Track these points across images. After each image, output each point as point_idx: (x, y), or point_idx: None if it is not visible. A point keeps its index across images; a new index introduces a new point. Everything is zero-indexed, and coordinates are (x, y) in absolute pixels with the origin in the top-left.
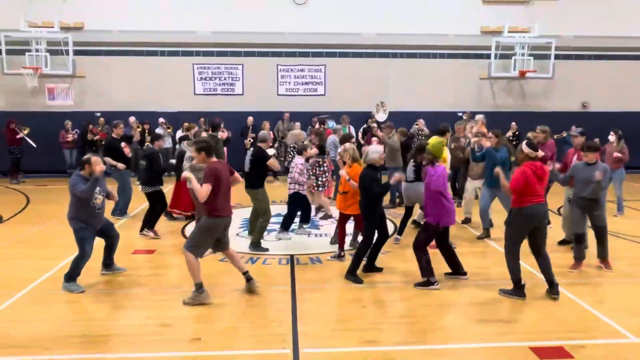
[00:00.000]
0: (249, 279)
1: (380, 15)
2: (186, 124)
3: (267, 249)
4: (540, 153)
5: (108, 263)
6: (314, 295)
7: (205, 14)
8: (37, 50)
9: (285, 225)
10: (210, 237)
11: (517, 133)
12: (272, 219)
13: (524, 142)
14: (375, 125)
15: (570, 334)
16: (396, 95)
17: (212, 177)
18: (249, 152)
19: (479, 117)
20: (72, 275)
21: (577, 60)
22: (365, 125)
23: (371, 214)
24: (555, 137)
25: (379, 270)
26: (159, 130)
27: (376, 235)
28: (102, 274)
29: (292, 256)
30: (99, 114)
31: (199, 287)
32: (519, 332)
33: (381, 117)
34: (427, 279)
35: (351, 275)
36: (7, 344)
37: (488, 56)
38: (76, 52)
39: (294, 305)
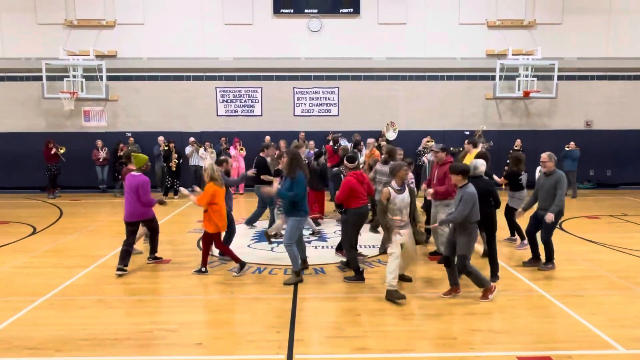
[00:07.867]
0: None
1: (390, 40)
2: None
3: None
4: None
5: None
6: (314, 304)
7: (227, 42)
8: (74, 76)
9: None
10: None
11: (522, 150)
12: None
13: (345, 158)
14: (384, 143)
15: (558, 344)
16: (405, 115)
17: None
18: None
19: (370, 140)
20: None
21: (579, 81)
22: (376, 144)
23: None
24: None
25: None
26: (189, 149)
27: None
28: None
29: None
30: (129, 134)
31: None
32: (508, 342)
33: (391, 135)
34: None
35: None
36: (24, 345)
37: (493, 77)
38: (109, 78)
39: (293, 313)
